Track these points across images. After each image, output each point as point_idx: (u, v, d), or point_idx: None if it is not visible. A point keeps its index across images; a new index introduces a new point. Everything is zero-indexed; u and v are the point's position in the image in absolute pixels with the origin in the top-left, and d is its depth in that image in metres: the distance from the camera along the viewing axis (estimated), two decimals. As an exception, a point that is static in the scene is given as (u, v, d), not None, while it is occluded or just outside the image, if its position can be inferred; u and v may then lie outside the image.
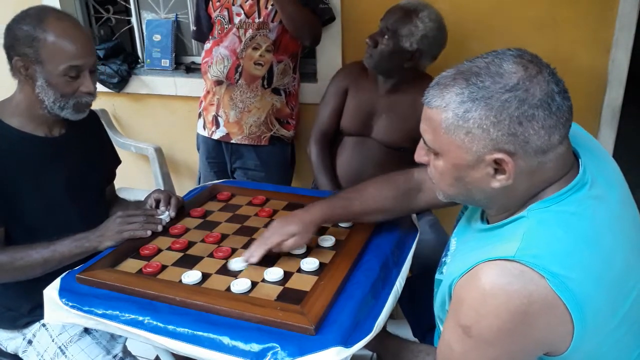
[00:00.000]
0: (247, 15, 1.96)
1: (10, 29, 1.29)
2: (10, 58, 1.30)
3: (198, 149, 2.25)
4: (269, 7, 1.94)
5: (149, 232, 1.33)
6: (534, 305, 0.77)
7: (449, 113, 0.83)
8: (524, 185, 0.85)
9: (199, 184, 2.27)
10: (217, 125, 2.08)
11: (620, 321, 0.85)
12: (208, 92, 2.10)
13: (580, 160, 0.90)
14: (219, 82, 2.03)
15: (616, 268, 0.84)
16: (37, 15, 1.28)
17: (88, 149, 1.50)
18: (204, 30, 2.13)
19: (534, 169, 0.84)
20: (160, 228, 1.36)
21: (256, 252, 1.19)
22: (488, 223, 0.97)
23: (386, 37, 1.76)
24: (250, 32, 1.96)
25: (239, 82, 1.99)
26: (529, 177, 0.84)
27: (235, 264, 1.20)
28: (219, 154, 2.16)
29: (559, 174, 0.86)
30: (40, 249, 1.27)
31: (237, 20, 1.98)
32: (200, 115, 2.16)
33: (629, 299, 0.86)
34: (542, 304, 0.77)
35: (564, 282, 0.77)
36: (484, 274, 0.81)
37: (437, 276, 1.06)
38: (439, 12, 1.80)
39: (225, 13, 2.00)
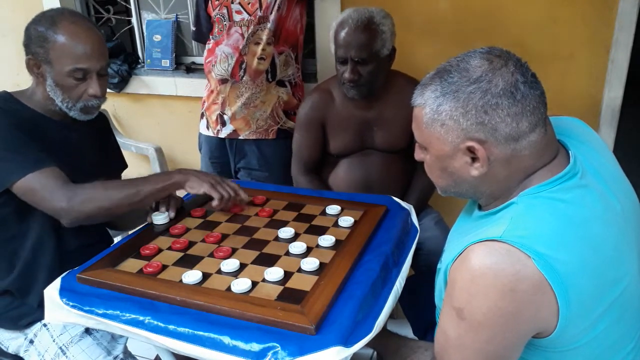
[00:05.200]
0: (249, 14, 1.97)
1: (27, 28, 1.34)
2: (26, 55, 1.35)
3: (200, 150, 2.25)
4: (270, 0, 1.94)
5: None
6: (521, 284, 0.80)
7: (427, 109, 0.92)
8: (503, 172, 0.90)
9: None
10: (223, 123, 2.07)
11: (609, 307, 0.87)
12: (212, 92, 2.10)
13: (569, 151, 0.94)
14: (223, 81, 2.03)
15: (604, 255, 0.87)
16: (52, 17, 1.32)
17: (95, 147, 1.52)
18: (204, 30, 2.13)
19: (509, 157, 0.89)
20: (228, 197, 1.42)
21: None
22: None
23: (362, 63, 1.69)
24: (251, 27, 1.96)
25: (244, 78, 2.00)
26: (505, 164, 0.89)
27: None
28: (222, 154, 2.16)
29: (539, 162, 0.90)
30: (126, 188, 1.32)
31: (237, 18, 1.98)
32: (202, 115, 2.17)
33: (619, 286, 0.88)
34: (528, 283, 0.80)
35: (549, 262, 0.80)
36: (473, 254, 0.85)
37: (438, 266, 1.07)
38: (370, 6, 1.74)
39: (225, 11, 2.01)
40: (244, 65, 1.99)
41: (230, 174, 2.17)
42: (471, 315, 0.85)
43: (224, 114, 2.06)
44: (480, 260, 0.83)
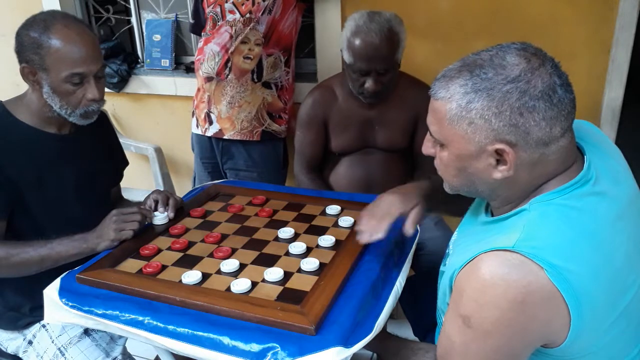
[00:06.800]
0: (242, 14, 1.96)
1: (19, 34, 1.29)
2: (19, 63, 1.31)
3: (193, 150, 2.25)
4: (262, 1, 1.94)
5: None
6: (533, 295, 0.78)
7: (453, 104, 0.85)
8: (526, 177, 0.87)
9: (194, 184, 2.27)
10: (210, 121, 2.07)
11: (618, 316, 0.86)
12: (199, 90, 2.11)
13: (585, 155, 0.91)
14: (209, 79, 2.03)
15: (616, 264, 0.85)
16: (44, 22, 1.27)
17: (97, 149, 1.51)
18: (202, 24, 2.13)
19: (536, 161, 0.85)
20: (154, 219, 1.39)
21: (382, 227, 1.14)
22: (492, 216, 0.98)
23: (384, 73, 1.68)
24: (239, 26, 1.96)
25: (229, 77, 1.99)
26: (530, 168, 0.86)
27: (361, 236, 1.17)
28: (212, 154, 2.16)
29: (561, 167, 0.87)
30: (38, 246, 1.27)
31: (229, 17, 1.98)
32: (193, 114, 2.17)
33: (629, 294, 0.87)
34: (540, 295, 0.78)
35: (562, 273, 0.78)
36: (484, 264, 0.82)
37: (441, 268, 1.06)
38: (382, 11, 1.72)
39: (218, 10, 2.00)
40: (229, 64, 1.98)
41: (221, 174, 2.17)
42: (479, 325, 0.83)
43: (210, 112, 2.06)
44: (492, 271, 0.80)
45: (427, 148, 0.96)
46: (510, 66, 0.82)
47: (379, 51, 1.65)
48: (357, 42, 1.66)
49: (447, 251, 1.09)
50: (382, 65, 1.67)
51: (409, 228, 1.13)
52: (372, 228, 1.14)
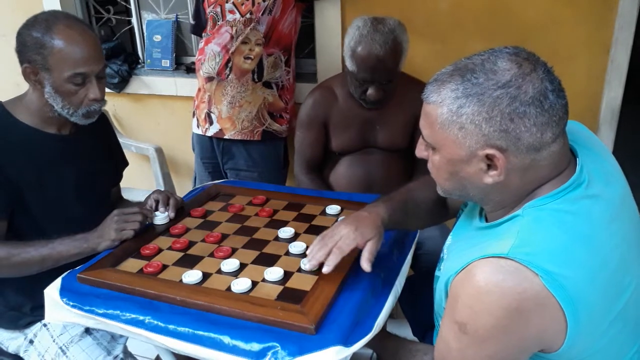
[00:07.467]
0: (242, 14, 1.97)
1: (20, 34, 1.29)
2: (21, 63, 1.31)
3: (193, 150, 2.25)
4: (262, 2, 1.94)
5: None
6: (527, 302, 0.78)
7: (444, 108, 0.85)
8: (517, 182, 0.86)
9: (195, 184, 2.27)
10: (210, 122, 2.08)
11: (615, 318, 0.85)
12: (199, 90, 2.11)
13: (577, 158, 0.90)
14: (210, 79, 2.04)
15: (611, 267, 0.84)
16: (46, 22, 1.27)
17: (97, 149, 1.51)
18: (203, 25, 2.13)
19: (527, 166, 0.84)
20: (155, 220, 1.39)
21: (332, 261, 1.07)
22: (486, 221, 0.98)
23: (387, 82, 1.69)
24: (240, 26, 1.96)
25: (229, 77, 2.00)
26: (521, 174, 0.85)
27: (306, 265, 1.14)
28: (213, 154, 2.16)
29: (553, 172, 0.87)
30: (39, 246, 1.27)
31: (229, 17, 1.98)
32: (194, 114, 2.17)
33: (625, 296, 0.87)
34: (535, 302, 0.78)
35: (557, 279, 0.78)
36: (478, 270, 0.82)
37: (436, 273, 1.06)
38: (386, 18, 1.70)
39: (218, 9, 2.01)
40: (230, 64, 1.98)
41: (221, 174, 2.18)
42: (474, 331, 0.83)
43: (211, 112, 2.06)
44: (486, 278, 0.80)
45: (420, 151, 0.96)
46: (502, 71, 0.82)
47: (383, 63, 1.64)
48: (361, 52, 1.65)
49: (441, 255, 1.09)
50: (385, 77, 1.68)
51: (365, 266, 1.06)
52: (321, 259, 1.08)
